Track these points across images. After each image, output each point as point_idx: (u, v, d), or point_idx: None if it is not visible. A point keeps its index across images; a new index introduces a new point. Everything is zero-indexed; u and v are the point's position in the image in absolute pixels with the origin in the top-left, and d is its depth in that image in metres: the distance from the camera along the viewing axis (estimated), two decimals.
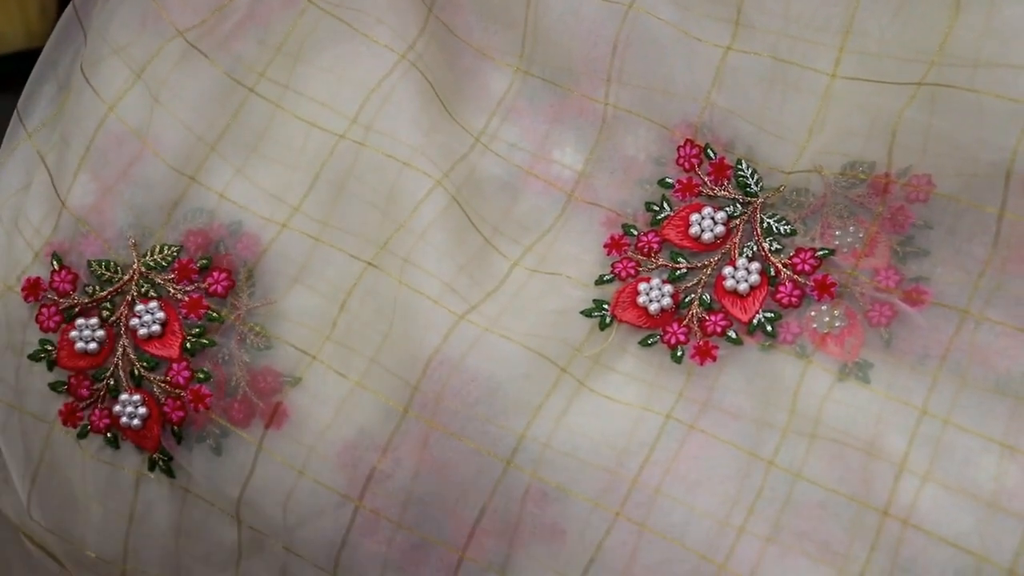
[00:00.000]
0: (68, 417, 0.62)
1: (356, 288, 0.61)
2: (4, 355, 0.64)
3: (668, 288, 0.60)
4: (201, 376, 0.60)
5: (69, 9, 0.69)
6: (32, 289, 0.63)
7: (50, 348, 0.62)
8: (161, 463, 0.61)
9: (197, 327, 0.61)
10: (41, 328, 0.62)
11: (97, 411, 0.61)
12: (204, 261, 0.62)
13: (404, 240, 0.61)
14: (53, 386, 0.62)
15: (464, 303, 0.60)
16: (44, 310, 0.62)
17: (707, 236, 0.60)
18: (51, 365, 0.62)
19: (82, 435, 0.62)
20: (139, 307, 0.62)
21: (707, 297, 0.60)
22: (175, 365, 0.61)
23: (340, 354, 0.60)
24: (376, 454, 0.58)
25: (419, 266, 0.60)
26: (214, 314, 0.61)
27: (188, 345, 0.61)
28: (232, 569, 0.62)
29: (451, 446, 0.57)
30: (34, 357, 0.62)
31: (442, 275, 0.60)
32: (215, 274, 0.62)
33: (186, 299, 0.62)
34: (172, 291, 0.62)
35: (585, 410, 0.58)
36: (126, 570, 0.64)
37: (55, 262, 0.63)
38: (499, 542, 0.57)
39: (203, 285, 0.62)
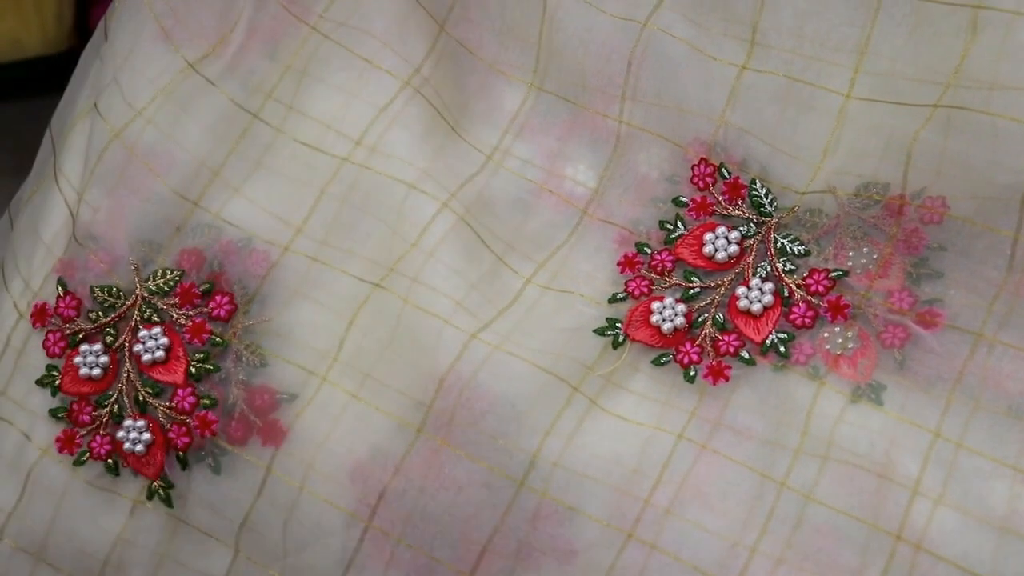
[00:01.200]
0: (65, 444, 0.67)
1: (364, 308, 0.66)
2: (15, 378, 0.69)
3: (681, 307, 0.65)
4: (207, 403, 0.65)
5: (100, 26, 0.74)
6: (39, 315, 0.68)
7: (56, 374, 0.67)
8: (160, 492, 0.66)
9: (201, 352, 0.66)
10: (48, 354, 0.68)
11: (98, 438, 0.66)
12: (207, 286, 0.67)
13: (413, 260, 0.66)
14: (53, 412, 0.67)
15: (476, 321, 0.65)
16: (50, 336, 0.68)
17: (721, 256, 0.65)
18: (55, 391, 0.67)
19: (79, 462, 0.66)
20: (142, 332, 0.67)
21: (720, 317, 0.65)
22: (180, 391, 0.66)
23: (349, 374, 0.65)
24: (388, 473, 0.63)
25: (429, 285, 0.66)
26: (218, 339, 0.66)
27: (193, 371, 0.66)
28: None
29: (463, 466, 0.62)
30: (40, 382, 0.68)
31: (453, 294, 0.65)
32: (218, 298, 0.67)
33: (189, 324, 0.66)
34: (175, 316, 0.67)
35: (597, 429, 0.63)
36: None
37: (60, 288, 0.68)
38: (509, 563, 0.61)
39: (206, 309, 0.67)
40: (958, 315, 0.62)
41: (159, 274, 0.68)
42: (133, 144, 0.69)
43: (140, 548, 0.67)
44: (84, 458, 0.67)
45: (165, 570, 0.67)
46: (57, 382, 0.68)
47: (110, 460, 0.67)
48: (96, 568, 0.67)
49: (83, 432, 0.67)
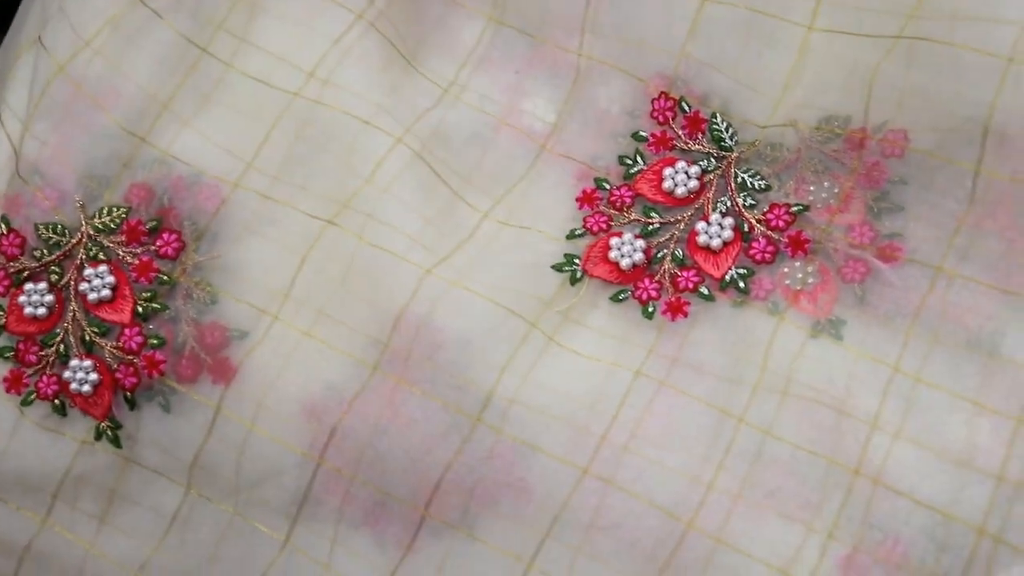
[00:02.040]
0: (12, 384, 0.67)
1: (317, 245, 0.66)
2: None
3: (640, 243, 0.65)
4: (155, 342, 0.65)
5: None
6: None
7: (0, 313, 0.67)
8: (108, 432, 0.66)
9: (148, 291, 0.66)
10: None
11: (45, 378, 0.66)
12: (154, 223, 0.67)
13: (367, 196, 0.67)
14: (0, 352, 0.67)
15: (432, 256, 0.65)
16: None
17: (680, 191, 0.66)
18: (0, 330, 0.67)
19: (26, 402, 0.67)
20: (88, 271, 0.67)
21: (679, 252, 0.65)
22: (127, 331, 0.66)
23: (301, 312, 0.65)
24: (342, 411, 0.64)
25: (383, 221, 0.66)
26: (165, 277, 0.66)
27: (140, 310, 0.66)
28: (152, 543, 0.67)
29: (418, 403, 0.63)
30: None
31: (408, 229, 0.66)
32: (165, 236, 0.67)
33: (136, 262, 0.66)
34: (122, 254, 0.67)
35: (554, 366, 0.63)
36: (48, 521, 0.68)
37: (3, 225, 0.68)
38: (464, 499, 0.62)
39: (153, 247, 0.67)
40: (918, 249, 0.63)
41: (105, 211, 0.68)
42: (80, 77, 0.69)
43: (89, 485, 0.67)
44: (31, 398, 0.67)
45: (115, 507, 0.67)
46: (2, 321, 0.68)
47: (57, 400, 0.67)
48: (45, 502, 0.68)
49: (30, 372, 0.67)
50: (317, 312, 0.66)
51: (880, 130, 0.64)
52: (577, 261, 0.66)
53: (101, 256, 0.68)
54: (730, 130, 0.67)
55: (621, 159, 0.68)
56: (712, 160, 0.67)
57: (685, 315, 0.64)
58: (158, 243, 0.67)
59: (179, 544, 0.67)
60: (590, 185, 0.68)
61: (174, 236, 0.67)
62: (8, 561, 0.69)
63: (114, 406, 0.66)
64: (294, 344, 0.65)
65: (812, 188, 0.65)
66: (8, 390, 0.67)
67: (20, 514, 0.68)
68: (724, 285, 0.65)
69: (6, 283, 0.68)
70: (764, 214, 0.65)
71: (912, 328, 0.62)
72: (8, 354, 0.68)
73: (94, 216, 0.68)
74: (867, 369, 0.62)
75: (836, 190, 0.65)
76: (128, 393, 0.66)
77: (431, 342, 0.64)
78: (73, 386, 0.66)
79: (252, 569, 0.66)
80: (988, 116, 0.62)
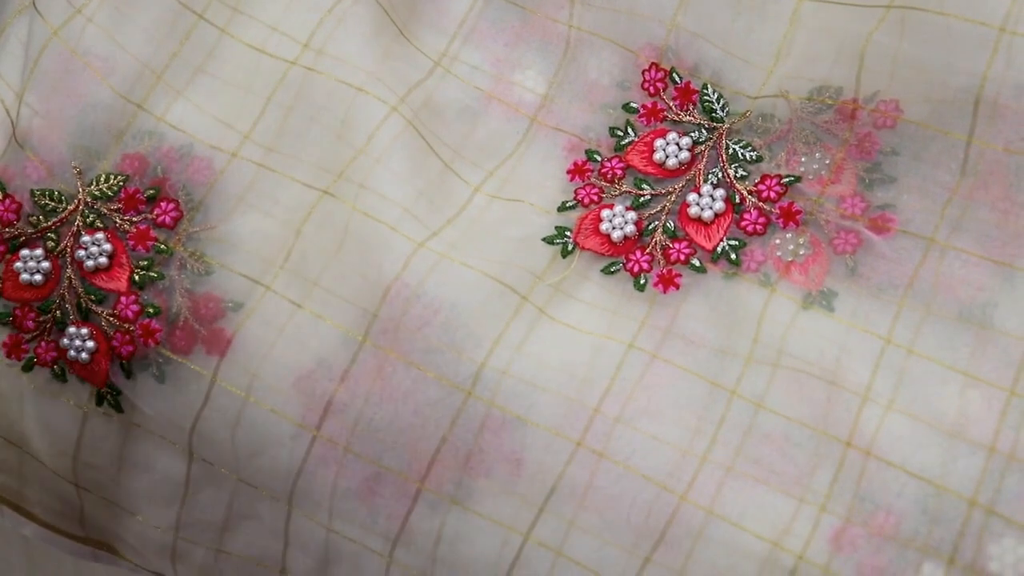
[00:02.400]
0: (12, 349, 0.66)
1: (311, 216, 0.66)
2: None
3: (631, 215, 0.65)
4: (151, 311, 0.65)
5: None
6: None
7: None
8: (109, 398, 0.66)
9: (145, 260, 0.66)
10: None
11: (44, 344, 0.66)
12: (152, 191, 0.66)
13: (361, 166, 0.66)
14: None
15: (424, 229, 0.65)
16: None
17: (671, 162, 0.65)
18: None
19: (27, 368, 0.66)
20: (85, 238, 0.66)
21: (671, 224, 0.65)
22: (123, 299, 0.65)
23: (295, 283, 0.65)
24: (334, 383, 0.63)
25: (377, 192, 0.65)
26: (162, 246, 0.66)
27: (136, 278, 0.65)
28: (176, 506, 0.68)
29: (410, 375, 0.62)
30: None
31: (401, 201, 0.65)
32: (163, 204, 0.66)
33: (133, 230, 0.66)
34: (119, 222, 0.66)
35: (546, 339, 0.63)
36: (79, 483, 0.69)
37: None
38: (458, 472, 0.62)
39: (151, 216, 0.66)
40: (910, 220, 0.63)
41: (103, 178, 0.67)
42: (74, 44, 0.68)
43: (102, 452, 0.67)
44: (32, 363, 0.67)
45: (127, 474, 0.68)
46: None
47: (56, 367, 0.67)
48: (70, 468, 0.68)
49: (28, 337, 0.67)
50: (311, 283, 0.65)
51: (872, 101, 0.64)
52: (568, 233, 0.66)
53: (98, 223, 0.67)
54: (721, 101, 0.66)
55: (612, 131, 0.68)
56: (703, 131, 0.66)
57: (677, 287, 0.64)
58: (156, 212, 0.67)
59: (192, 508, 0.68)
60: (581, 157, 0.68)
61: (172, 205, 0.67)
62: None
63: (111, 374, 0.66)
64: (287, 316, 0.65)
65: (803, 159, 0.65)
66: (8, 355, 0.67)
67: (61, 480, 0.69)
68: (716, 257, 0.64)
69: (1, 248, 0.67)
70: (755, 185, 0.65)
71: (904, 300, 0.62)
72: (6, 319, 0.67)
73: (91, 183, 0.67)
74: (858, 341, 0.61)
75: (828, 161, 0.64)
76: (124, 361, 0.66)
77: (421, 314, 0.63)
78: (71, 353, 0.66)
79: (267, 534, 0.67)
80: (980, 87, 0.61)
